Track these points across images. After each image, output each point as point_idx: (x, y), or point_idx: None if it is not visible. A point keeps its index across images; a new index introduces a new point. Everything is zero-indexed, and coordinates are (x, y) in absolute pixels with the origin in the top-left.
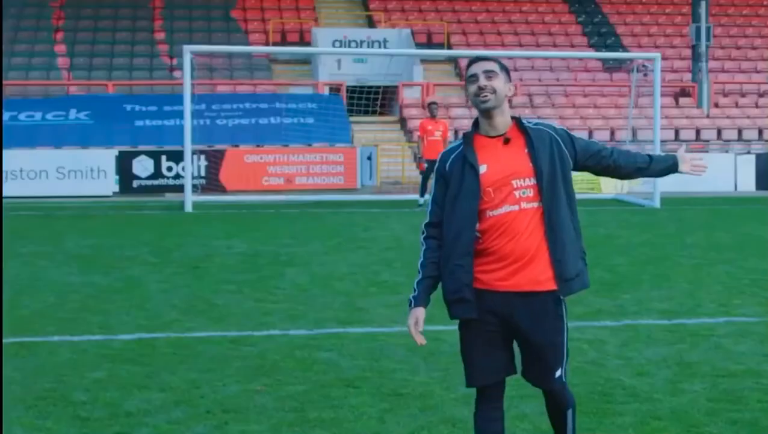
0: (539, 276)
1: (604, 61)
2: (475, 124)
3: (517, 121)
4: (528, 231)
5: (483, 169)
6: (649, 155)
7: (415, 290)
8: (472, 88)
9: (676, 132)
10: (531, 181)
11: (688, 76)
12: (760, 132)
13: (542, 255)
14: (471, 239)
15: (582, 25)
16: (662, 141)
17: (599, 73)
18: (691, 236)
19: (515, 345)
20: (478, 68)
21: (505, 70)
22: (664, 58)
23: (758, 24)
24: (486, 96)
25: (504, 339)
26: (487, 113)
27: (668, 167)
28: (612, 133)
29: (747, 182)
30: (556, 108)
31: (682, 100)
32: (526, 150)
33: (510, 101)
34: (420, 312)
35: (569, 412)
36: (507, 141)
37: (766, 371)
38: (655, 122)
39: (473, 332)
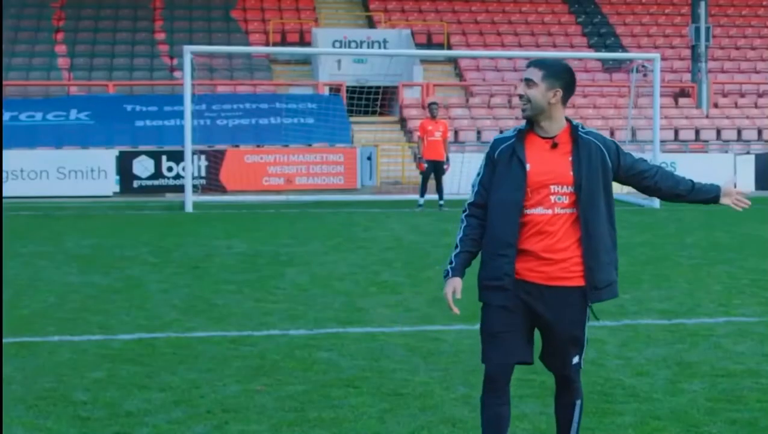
0: (569, 274)
1: (603, 61)
2: (528, 123)
3: (571, 126)
4: (560, 234)
5: (528, 167)
6: (692, 182)
7: (452, 262)
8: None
9: (676, 132)
10: (569, 189)
11: (687, 76)
12: (760, 132)
13: (575, 258)
14: (515, 230)
15: (581, 26)
16: (662, 141)
17: (599, 73)
18: (690, 236)
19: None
20: (525, 74)
21: (553, 76)
22: (663, 59)
23: (757, 24)
24: (523, 105)
25: (525, 325)
26: (526, 119)
27: (708, 199)
28: (611, 133)
29: (746, 182)
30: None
31: (682, 101)
32: (570, 158)
33: (563, 104)
34: (458, 282)
35: (579, 403)
36: (555, 146)
37: (765, 371)
38: (655, 122)
39: (497, 314)
